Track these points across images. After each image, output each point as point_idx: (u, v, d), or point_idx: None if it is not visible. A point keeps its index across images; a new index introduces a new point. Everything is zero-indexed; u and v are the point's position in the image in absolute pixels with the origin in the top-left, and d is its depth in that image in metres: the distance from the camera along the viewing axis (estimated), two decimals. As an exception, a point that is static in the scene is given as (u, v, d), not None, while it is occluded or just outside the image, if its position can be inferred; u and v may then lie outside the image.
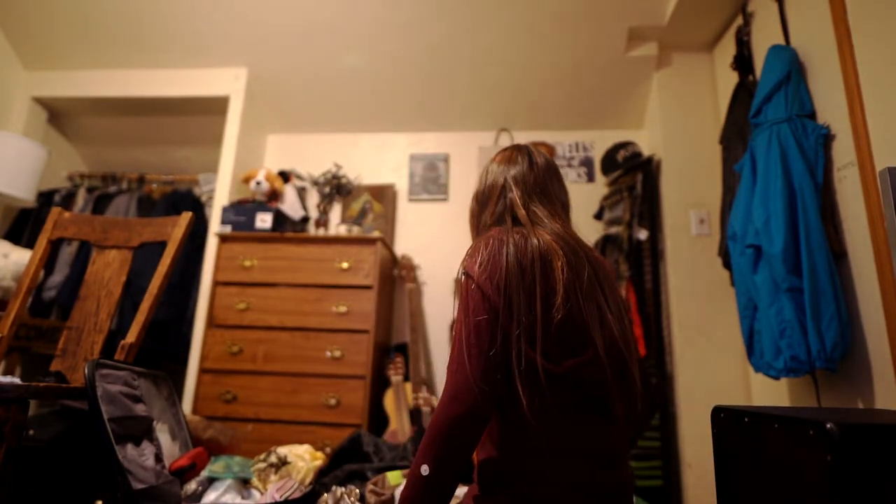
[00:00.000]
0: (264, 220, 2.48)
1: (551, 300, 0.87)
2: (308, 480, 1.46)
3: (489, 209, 1.05)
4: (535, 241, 0.92)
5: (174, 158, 3.33)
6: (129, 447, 1.18)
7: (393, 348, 2.65)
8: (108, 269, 1.58)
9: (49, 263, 2.79)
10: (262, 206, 2.52)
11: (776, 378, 1.59)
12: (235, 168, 2.72)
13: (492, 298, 0.86)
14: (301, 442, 1.81)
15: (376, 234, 2.46)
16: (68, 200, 3.02)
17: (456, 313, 0.91)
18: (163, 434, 1.38)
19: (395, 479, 1.39)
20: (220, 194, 2.66)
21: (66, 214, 1.69)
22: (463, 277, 0.91)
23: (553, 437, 0.87)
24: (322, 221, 2.85)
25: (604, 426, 0.90)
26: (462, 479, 0.85)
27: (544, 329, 0.86)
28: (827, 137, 1.61)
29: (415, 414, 2.30)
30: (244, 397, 2.27)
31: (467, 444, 0.82)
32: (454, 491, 0.84)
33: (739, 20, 2.17)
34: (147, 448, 1.24)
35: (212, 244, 2.58)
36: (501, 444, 0.88)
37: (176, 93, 2.80)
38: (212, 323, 2.38)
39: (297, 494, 1.38)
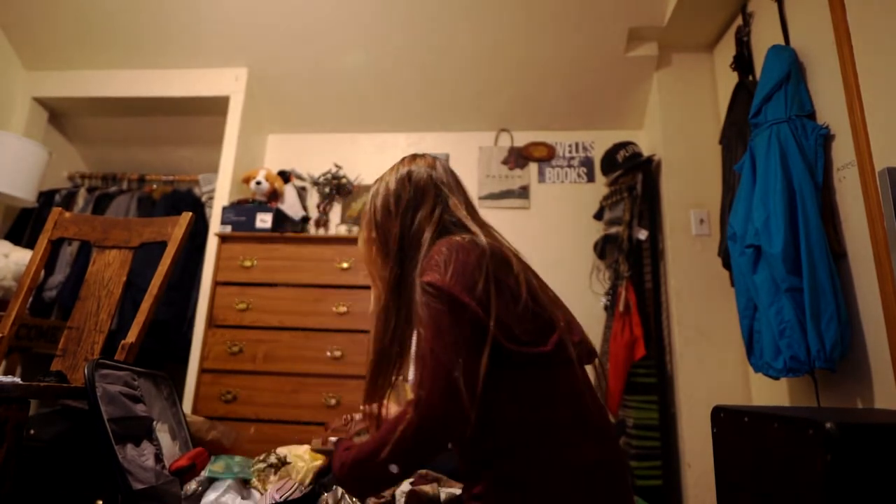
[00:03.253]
0: (264, 220, 2.48)
1: (518, 299, 0.85)
2: (308, 481, 1.46)
3: (422, 213, 0.97)
4: (496, 246, 0.89)
5: (174, 158, 3.33)
6: (129, 447, 1.18)
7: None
8: (109, 269, 1.59)
9: (49, 263, 2.79)
10: (262, 206, 2.53)
11: (776, 378, 1.59)
12: (235, 168, 2.72)
13: (472, 309, 0.80)
14: (301, 442, 1.81)
15: (376, 234, 2.46)
16: (69, 200, 3.02)
17: (423, 329, 0.82)
18: (163, 434, 1.38)
19: (396, 479, 1.39)
20: (220, 194, 2.66)
21: (67, 214, 1.69)
22: (431, 291, 0.82)
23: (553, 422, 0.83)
24: (322, 221, 2.85)
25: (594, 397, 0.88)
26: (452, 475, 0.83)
27: (519, 323, 0.84)
28: (826, 137, 1.61)
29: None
30: (244, 397, 2.27)
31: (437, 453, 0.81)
32: None
33: (739, 20, 2.17)
34: (147, 448, 1.24)
35: (212, 244, 2.58)
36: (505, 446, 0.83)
37: (176, 93, 2.80)
38: (212, 323, 2.38)
39: (297, 495, 1.38)
